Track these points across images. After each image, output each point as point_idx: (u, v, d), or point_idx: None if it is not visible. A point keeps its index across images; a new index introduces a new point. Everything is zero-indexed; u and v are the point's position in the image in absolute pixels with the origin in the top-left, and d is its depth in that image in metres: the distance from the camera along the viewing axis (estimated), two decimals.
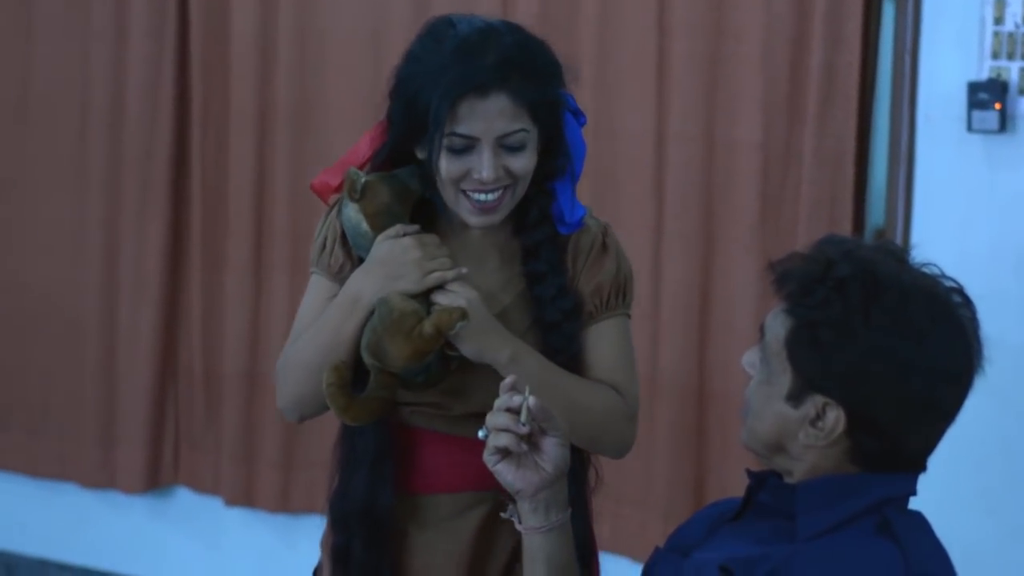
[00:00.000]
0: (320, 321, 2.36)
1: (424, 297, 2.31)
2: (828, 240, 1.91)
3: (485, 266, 2.40)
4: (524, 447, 2.02)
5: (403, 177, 2.36)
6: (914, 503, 1.91)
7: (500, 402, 2.03)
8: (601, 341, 2.41)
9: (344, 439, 2.45)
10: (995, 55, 3.49)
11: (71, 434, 4.67)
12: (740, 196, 3.77)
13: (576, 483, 2.31)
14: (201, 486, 4.56)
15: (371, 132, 2.43)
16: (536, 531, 2.05)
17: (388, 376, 2.31)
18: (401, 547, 2.44)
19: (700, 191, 3.81)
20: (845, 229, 3.61)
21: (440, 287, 2.31)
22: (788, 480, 1.91)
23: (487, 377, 2.32)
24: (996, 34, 3.49)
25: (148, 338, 4.51)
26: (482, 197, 2.30)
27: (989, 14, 3.49)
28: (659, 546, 2.07)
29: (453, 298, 2.29)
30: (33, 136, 4.65)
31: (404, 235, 2.34)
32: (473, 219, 2.33)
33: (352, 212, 2.34)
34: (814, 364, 1.84)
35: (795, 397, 1.86)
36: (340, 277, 2.39)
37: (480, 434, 2.05)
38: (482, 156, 2.27)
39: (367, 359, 2.31)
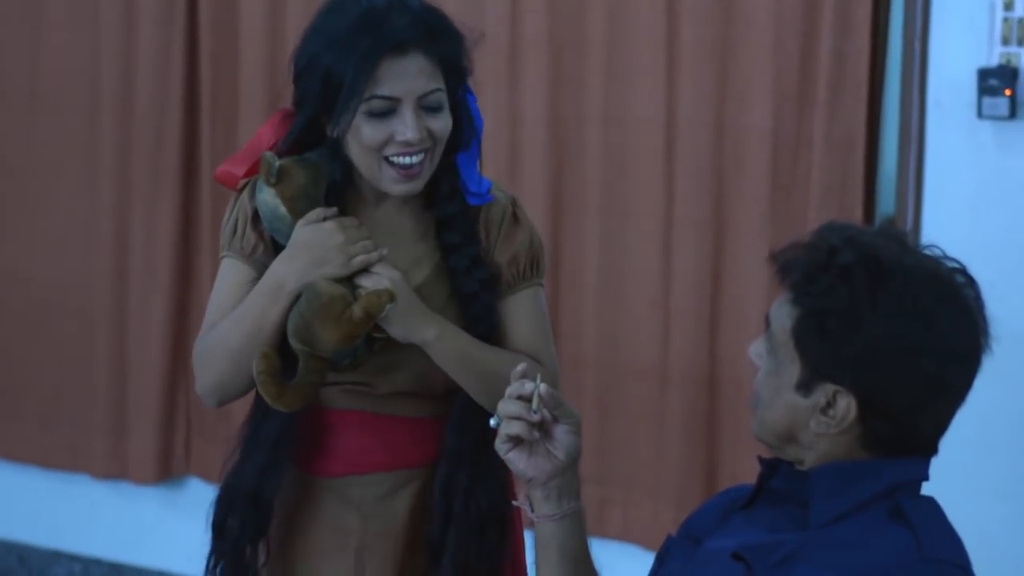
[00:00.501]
0: (243, 306, 2.36)
1: (348, 280, 2.33)
2: (829, 227, 1.91)
3: (400, 241, 2.41)
4: (536, 435, 2.02)
5: (315, 159, 2.36)
6: (926, 489, 1.91)
7: (511, 390, 2.04)
8: (519, 311, 2.45)
9: (251, 421, 2.47)
10: (1005, 41, 3.48)
11: (82, 424, 4.68)
12: (750, 183, 3.77)
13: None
14: (213, 476, 4.54)
15: (271, 120, 2.44)
16: (548, 519, 2.05)
17: (318, 360, 2.32)
18: (333, 530, 2.46)
19: (710, 178, 3.81)
20: (855, 215, 3.60)
21: (364, 270, 2.33)
22: (800, 468, 1.91)
23: (412, 355, 2.36)
24: (1006, 20, 3.48)
25: (159, 328, 4.52)
26: (406, 160, 2.31)
27: (999, 0, 3.48)
28: (671, 534, 2.07)
29: (378, 280, 2.31)
30: (43, 126, 4.65)
31: (325, 219, 2.35)
32: (397, 187, 2.34)
33: (269, 196, 2.34)
34: (822, 353, 1.83)
35: (805, 386, 1.85)
36: (253, 259, 2.40)
37: (492, 422, 2.06)
38: (405, 117, 2.29)
39: (296, 345, 2.32)
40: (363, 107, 2.29)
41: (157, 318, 4.51)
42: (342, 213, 2.38)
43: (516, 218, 2.46)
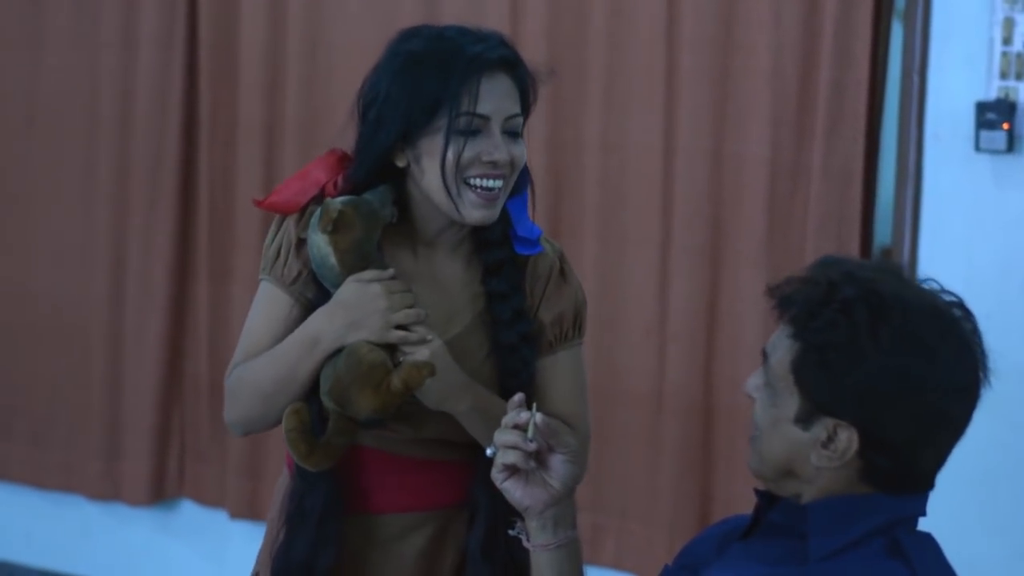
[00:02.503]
0: (277, 351, 2.31)
1: (389, 344, 2.28)
2: (826, 261, 1.91)
3: (445, 289, 2.37)
4: (532, 464, 2.02)
5: (375, 205, 2.30)
6: (923, 523, 1.91)
7: (508, 419, 2.04)
8: (559, 372, 2.40)
9: (293, 496, 2.40)
10: (1003, 75, 3.50)
11: (76, 445, 4.68)
12: (748, 211, 3.77)
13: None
14: (206, 499, 4.56)
15: (325, 160, 2.40)
16: (544, 548, 2.05)
17: (348, 422, 2.29)
18: (346, 566, 2.39)
19: (708, 206, 3.82)
20: (852, 246, 3.61)
21: (404, 327, 2.27)
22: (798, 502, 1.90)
23: (438, 412, 2.30)
24: (1004, 54, 3.49)
25: (154, 349, 4.52)
26: (489, 183, 2.28)
27: (997, 34, 3.49)
28: (668, 563, 2.07)
29: (419, 350, 2.25)
30: (41, 146, 4.66)
31: (375, 280, 2.28)
32: (476, 212, 2.29)
33: (321, 243, 2.28)
34: (824, 387, 1.83)
35: (804, 420, 1.85)
36: (292, 288, 2.35)
37: (488, 451, 2.06)
38: (493, 137, 2.27)
39: (328, 404, 2.28)
40: (457, 123, 2.26)
41: (153, 339, 4.51)
42: (392, 257, 2.34)
43: (563, 274, 2.43)
